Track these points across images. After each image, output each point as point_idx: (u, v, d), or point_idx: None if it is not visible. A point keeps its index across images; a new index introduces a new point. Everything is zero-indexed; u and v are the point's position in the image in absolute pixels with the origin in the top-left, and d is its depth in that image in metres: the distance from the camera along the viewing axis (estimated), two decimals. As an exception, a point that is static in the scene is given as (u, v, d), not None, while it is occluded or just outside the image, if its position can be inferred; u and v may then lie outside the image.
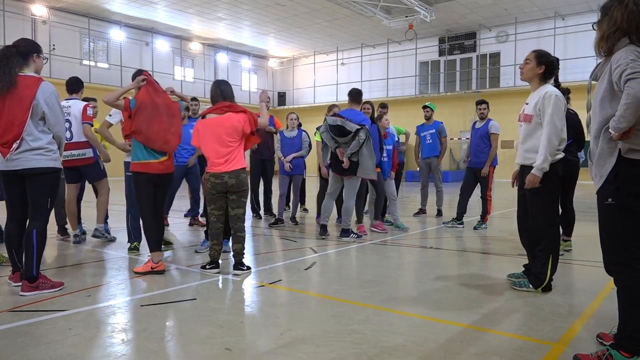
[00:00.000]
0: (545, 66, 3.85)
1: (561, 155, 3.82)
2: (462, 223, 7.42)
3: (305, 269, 4.71)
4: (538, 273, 3.88)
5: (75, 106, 5.84)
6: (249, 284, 4.20)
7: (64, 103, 5.83)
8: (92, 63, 22.03)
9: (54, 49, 20.28)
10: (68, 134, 5.76)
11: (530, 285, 3.90)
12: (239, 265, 4.49)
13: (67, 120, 5.76)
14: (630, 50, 2.44)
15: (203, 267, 4.55)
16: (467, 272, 4.63)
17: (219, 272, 4.47)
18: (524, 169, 3.94)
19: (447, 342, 2.82)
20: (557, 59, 3.98)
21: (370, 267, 4.78)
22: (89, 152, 5.89)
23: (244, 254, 4.55)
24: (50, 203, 3.89)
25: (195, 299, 3.69)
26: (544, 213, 3.85)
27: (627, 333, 2.48)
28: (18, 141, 3.65)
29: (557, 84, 4.00)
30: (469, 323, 3.15)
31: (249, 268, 4.54)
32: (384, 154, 7.09)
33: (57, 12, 20.49)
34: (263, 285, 4.11)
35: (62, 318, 3.24)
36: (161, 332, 3.02)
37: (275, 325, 3.11)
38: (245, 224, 4.64)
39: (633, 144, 2.44)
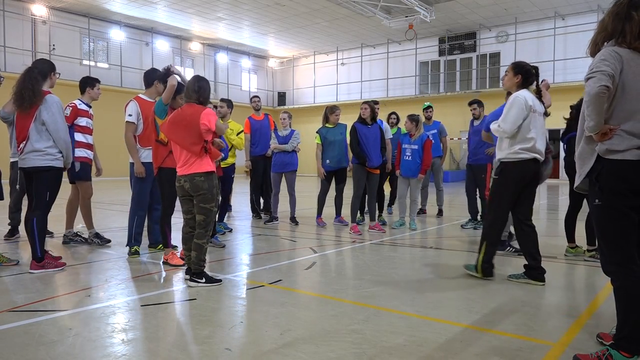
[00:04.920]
0: (521, 75, 4.09)
1: (526, 155, 3.93)
2: (478, 221, 7.35)
3: (305, 269, 4.71)
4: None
5: None
6: (249, 284, 4.20)
7: None
8: (92, 63, 22.01)
9: (54, 49, 20.27)
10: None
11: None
12: (193, 275, 4.04)
13: None
14: (609, 50, 2.49)
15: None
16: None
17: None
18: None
19: (447, 342, 2.82)
20: (536, 68, 4.20)
21: (370, 267, 4.78)
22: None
23: (200, 264, 4.04)
24: (50, 197, 4.48)
25: (195, 299, 3.69)
26: (490, 211, 4.21)
27: (625, 333, 2.49)
28: (25, 141, 4.39)
29: (537, 92, 4.19)
30: (469, 323, 3.15)
31: (214, 281, 4.05)
32: (408, 153, 7.10)
33: (57, 12, 20.47)
34: (263, 285, 4.11)
35: (62, 318, 3.24)
36: (161, 332, 3.02)
37: (275, 325, 3.11)
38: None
39: (612, 144, 2.47)
